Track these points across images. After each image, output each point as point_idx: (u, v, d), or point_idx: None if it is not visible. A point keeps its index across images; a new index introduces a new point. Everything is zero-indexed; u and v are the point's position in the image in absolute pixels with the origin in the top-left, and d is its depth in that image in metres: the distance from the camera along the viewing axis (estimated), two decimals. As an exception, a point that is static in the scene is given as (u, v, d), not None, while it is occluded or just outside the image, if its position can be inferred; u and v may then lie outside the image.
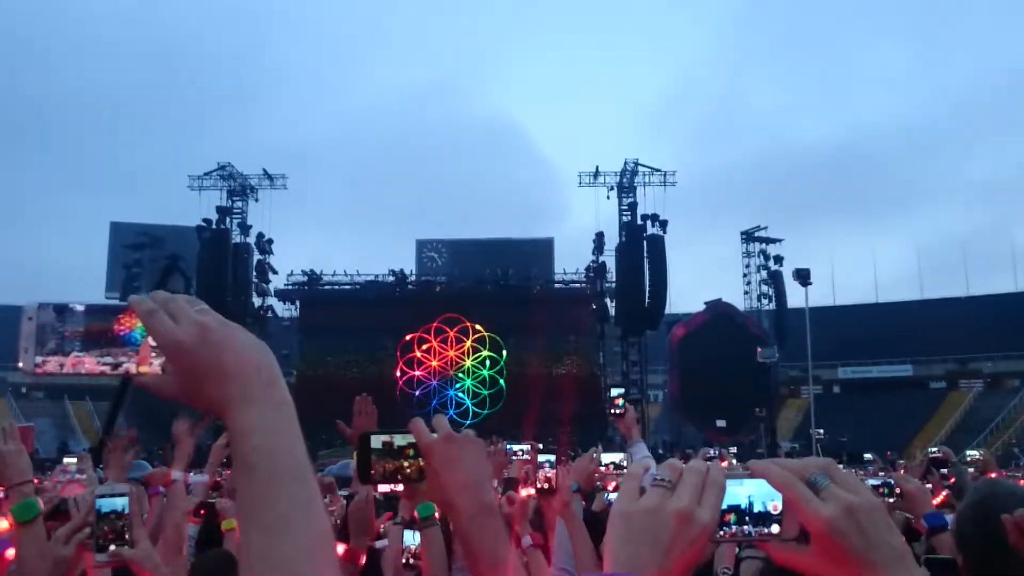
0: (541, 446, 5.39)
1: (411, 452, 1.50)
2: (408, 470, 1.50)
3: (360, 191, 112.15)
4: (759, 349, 33.57)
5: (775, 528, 1.01)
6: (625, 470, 5.91)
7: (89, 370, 1.01)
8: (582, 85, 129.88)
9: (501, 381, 36.39)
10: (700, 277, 73.31)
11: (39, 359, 1.00)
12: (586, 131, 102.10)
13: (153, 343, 1.01)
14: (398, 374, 36.58)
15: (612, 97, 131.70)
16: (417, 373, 36.60)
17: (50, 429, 38.84)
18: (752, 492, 1.01)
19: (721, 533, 1.00)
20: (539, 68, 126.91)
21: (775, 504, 1.00)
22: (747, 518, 1.01)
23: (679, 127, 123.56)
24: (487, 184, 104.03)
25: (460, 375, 36.72)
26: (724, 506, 0.99)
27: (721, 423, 34.52)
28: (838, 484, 0.97)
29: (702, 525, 0.94)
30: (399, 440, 1.51)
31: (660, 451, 25.51)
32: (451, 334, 36.79)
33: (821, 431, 31.53)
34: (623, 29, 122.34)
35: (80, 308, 1.01)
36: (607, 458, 4.35)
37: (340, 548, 2.92)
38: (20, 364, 1.00)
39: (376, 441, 1.52)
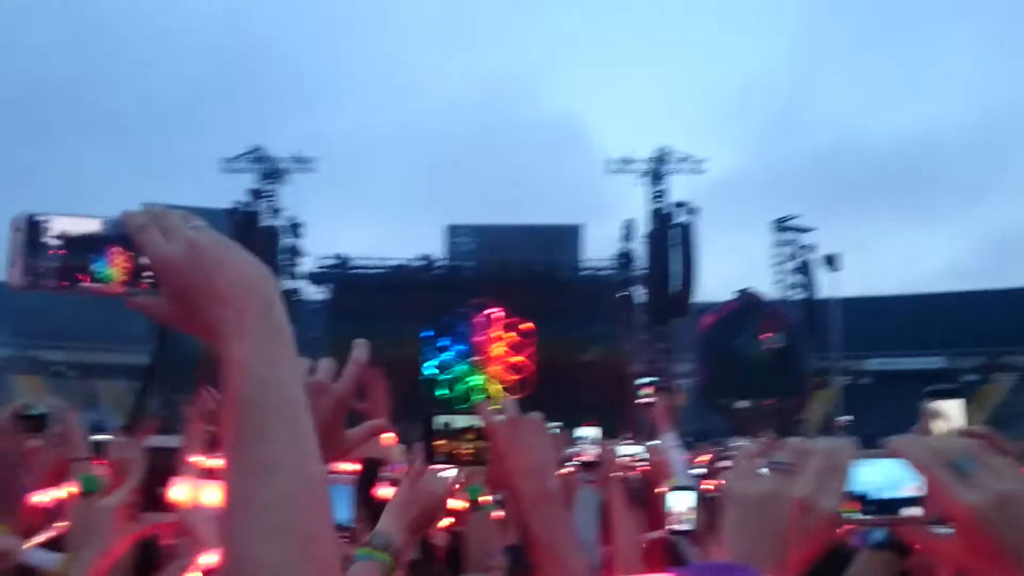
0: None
1: (468, 436, 1.49)
2: (465, 453, 1.50)
3: (413, 181, 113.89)
4: (768, 335, 33.49)
5: (916, 511, 0.93)
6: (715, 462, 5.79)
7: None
8: (649, 80, 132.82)
9: (530, 368, 36.38)
10: (743, 268, 72.99)
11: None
12: (650, 126, 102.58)
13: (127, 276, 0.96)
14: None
15: (679, 93, 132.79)
16: (446, 356, 36.70)
17: (81, 407, 39.46)
18: (883, 474, 0.94)
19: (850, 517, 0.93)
20: (608, 64, 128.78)
21: (914, 486, 0.93)
22: (874, 504, 0.94)
23: (743, 123, 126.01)
24: (539, 177, 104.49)
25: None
26: (850, 491, 0.92)
27: (743, 403, 34.38)
28: (988, 470, 0.88)
29: (824, 514, 0.88)
30: (458, 422, 1.53)
31: (691, 439, 25.37)
32: (480, 319, 36.81)
33: (851, 417, 31.31)
34: (694, 26, 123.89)
35: (56, 242, 0.95)
36: (626, 451, 4.21)
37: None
38: (7, 279, 0.95)
39: (437, 423, 1.53)
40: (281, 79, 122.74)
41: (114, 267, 0.95)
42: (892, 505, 0.94)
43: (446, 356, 36.86)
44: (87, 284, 0.96)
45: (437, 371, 36.53)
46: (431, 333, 36.80)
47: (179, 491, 1.84)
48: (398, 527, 1.92)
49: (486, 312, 36.74)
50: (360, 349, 1.43)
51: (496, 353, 36.73)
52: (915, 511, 0.93)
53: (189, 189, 79.12)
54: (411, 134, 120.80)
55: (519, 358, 36.55)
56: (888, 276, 78.83)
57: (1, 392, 33.25)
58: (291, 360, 0.92)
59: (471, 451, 1.51)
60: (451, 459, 1.54)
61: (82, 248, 0.96)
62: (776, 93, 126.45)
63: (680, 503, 3.42)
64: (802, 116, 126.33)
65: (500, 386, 35.86)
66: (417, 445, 2.00)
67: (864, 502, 0.94)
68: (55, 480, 2.71)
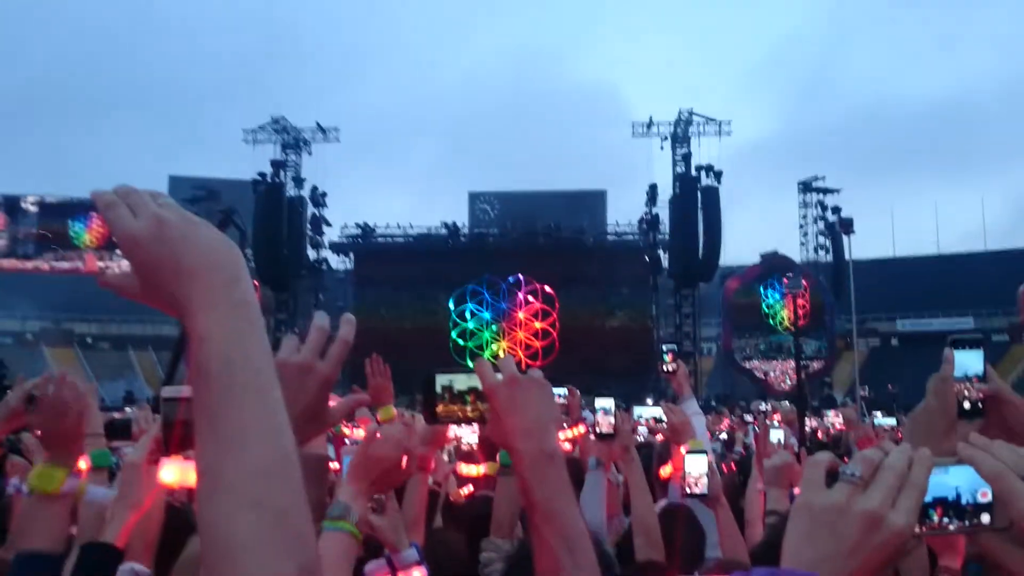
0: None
1: (469, 397, 1.50)
2: (468, 414, 1.50)
3: (439, 149, 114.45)
4: (793, 297, 33.47)
5: (985, 518, 0.92)
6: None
7: (44, 268, 0.97)
8: (679, 45, 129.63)
9: (553, 334, 36.41)
10: (770, 231, 72.14)
11: None
12: (680, 91, 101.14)
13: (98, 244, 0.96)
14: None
15: (710, 58, 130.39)
16: (470, 325, 36.79)
17: (115, 379, 40.02)
18: (960, 482, 0.93)
19: (922, 529, 0.91)
20: (638, 30, 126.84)
21: (984, 492, 0.92)
22: (952, 512, 0.93)
23: (774, 86, 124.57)
24: (565, 144, 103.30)
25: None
26: (929, 498, 0.91)
27: (768, 367, 34.33)
28: None
29: (893, 530, 0.87)
30: (459, 383, 1.51)
31: (713, 403, 25.42)
32: (504, 286, 36.79)
33: (866, 388, 31.24)
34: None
35: (34, 209, 0.95)
36: (647, 412, 4.09)
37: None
38: None
39: (438, 384, 1.52)
40: (308, 52, 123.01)
41: (91, 232, 0.95)
42: (975, 511, 0.93)
43: (471, 323, 36.96)
44: (64, 249, 0.96)
45: (462, 339, 36.66)
46: (455, 301, 36.89)
47: (167, 472, 1.86)
48: (355, 492, 1.96)
49: (510, 279, 36.73)
50: (347, 327, 1.39)
51: (520, 320, 36.75)
52: (987, 518, 0.92)
53: (214, 161, 79.82)
54: (437, 103, 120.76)
55: (543, 324, 36.58)
56: (919, 237, 77.70)
57: (34, 364, 33.77)
58: (258, 335, 0.92)
59: (474, 413, 1.49)
60: (453, 420, 1.54)
61: (60, 214, 0.95)
62: (808, 55, 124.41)
63: (696, 467, 3.41)
64: (833, 78, 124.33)
65: (524, 352, 35.92)
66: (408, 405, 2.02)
67: (946, 508, 0.93)
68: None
